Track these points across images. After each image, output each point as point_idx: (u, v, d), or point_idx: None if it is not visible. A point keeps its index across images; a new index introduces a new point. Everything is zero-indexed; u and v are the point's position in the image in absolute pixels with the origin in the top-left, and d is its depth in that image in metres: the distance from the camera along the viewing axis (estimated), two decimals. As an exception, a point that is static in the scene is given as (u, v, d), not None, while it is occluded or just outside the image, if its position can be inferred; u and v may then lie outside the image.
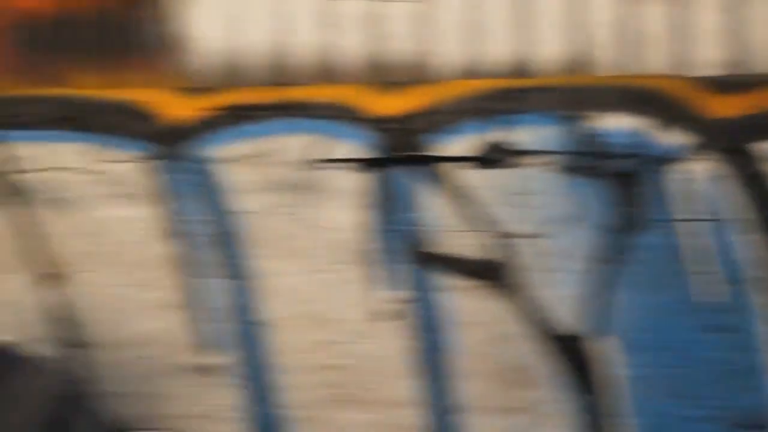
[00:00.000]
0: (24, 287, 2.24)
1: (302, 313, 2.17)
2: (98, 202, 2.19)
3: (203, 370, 2.17)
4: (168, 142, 2.15)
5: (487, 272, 2.10)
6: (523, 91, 2.06)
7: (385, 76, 2.11)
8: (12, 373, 1.56)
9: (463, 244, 2.12)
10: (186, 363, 2.18)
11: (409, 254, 2.14)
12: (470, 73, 2.08)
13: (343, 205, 2.14)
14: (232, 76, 2.15)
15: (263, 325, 2.18)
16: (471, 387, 2.14)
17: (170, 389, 2.17)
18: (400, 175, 2.13)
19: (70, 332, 2.23)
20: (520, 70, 2.08)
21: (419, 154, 2.11)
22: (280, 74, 2.14)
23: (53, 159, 2.23)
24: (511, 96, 2.06)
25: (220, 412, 2.18)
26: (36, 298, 2.23)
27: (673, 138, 2.02)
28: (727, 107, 1.99)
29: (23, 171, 2.25)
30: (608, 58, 2.05)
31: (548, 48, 2.07)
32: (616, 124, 2.03)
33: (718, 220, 2.00)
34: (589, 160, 2.05)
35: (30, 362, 1.62)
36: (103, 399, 2.20)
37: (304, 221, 2.16)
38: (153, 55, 2.16)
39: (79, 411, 1.73)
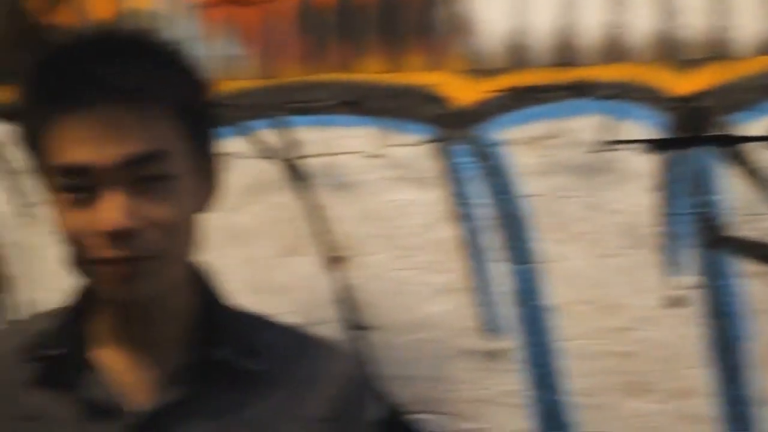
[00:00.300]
0: (313, 270, 2.27)
1: (589, 298, 2.13)
2: (382, 186, 2.20)
3: (486, 355, 2.16)
4: (453, 125, 2.14)
5: (789, 257, 2.01)
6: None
7: (676, 53, 2.04)
8: (309, 355, 1.58)
9: (762, 227, 2.03)
10: (469, 347, 2.17)
11: (702, 238, 2.06)
12: (771, 48, 2.00)
13: (634, 187, 2.09)
14: (517, 58, 2.12)
15: (548, 309, 2.14)
16: (767, 378, 2.05)
17: (452, 373, 2.17)
18: (694, 156, 2.06)
19: (356, 315, 2.25)
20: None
21: (716, 134, 2.04)
22: (566, 54, 2.10)
23: (337, 144, 2.25)
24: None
25: (503, 397, 2.16)
26: (324, 281, 2.26)
27: None
28: None
29: (308, 156, 2.29)
30: None
31: None
32: None
33: None
34: None
35: (325, 345, 1.64)
36: (386, 382, 2.21)
37: (592, 204, 2.11)
38: (437, 38, 2.16)
39: (369, 393, 1.74)
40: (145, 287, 1.48)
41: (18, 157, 2.60)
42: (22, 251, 2.63)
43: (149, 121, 1.44)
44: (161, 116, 1.46)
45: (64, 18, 2.55)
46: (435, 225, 2.17)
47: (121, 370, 1.56)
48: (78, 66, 1.44)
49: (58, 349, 1.55)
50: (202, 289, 1.61)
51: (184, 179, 1.49)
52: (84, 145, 1.42)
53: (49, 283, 2.57)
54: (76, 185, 1.44)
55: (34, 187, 2.55)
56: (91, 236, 1.44)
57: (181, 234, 1.50)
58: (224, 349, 1.55)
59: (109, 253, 1.43)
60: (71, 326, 1.59)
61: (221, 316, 1.60)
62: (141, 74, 1.44)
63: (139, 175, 1.43)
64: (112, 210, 1.42)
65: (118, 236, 1.42)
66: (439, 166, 2.18)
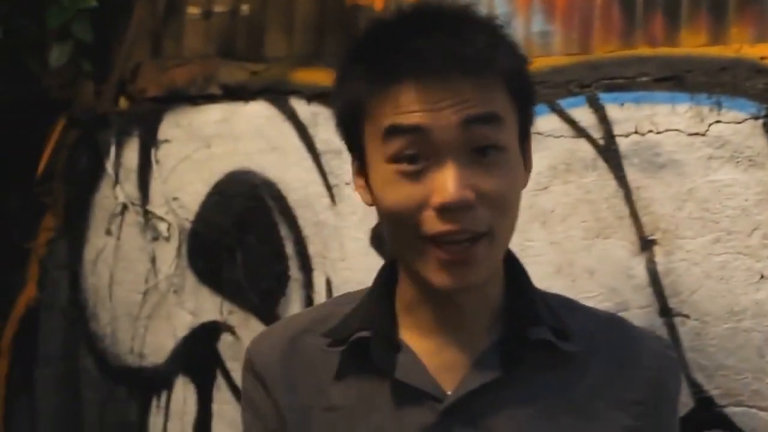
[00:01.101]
0: (623, 254, 2.19)
1: None
2: (702, 166, 2.10)
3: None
4: (783, 100, 2.01)
5: None
6: None
7: None
8: (622, 338, 1.50)
9: None
10: (793, 339, 2.03)
11: None
12: None
13: None
14: None
15: None
16: None
17: (773, 366, 2.03)
18: None
19: (668, 301, 2.15)
20: None
21: None
22: None
23: (655, 122, 2.16)
24: None
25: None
26: (635, 266, 2.17)
27: None
28: None
29: (622, 135, 2.21)
30: None
31: None
32: None
33: None
34: None
35: (636, 329, 1.56)
36: (696, 372, 2.10)
37: None
38: (762, 10, 2.04)
39: (680, 380, 1.64)
40: (478, 273, 1.42)
41: (323, 138, 2.65)
42: (325, 231, 2.67)
43: (486, 90, 1.42)
44: (495, 85, 1.43)
45: (369, 0, 2.58)
46: (758, 207, 2.05)
47: (431, 353, 1.51)
48: (410, 36, 1.43)
49: (367, 331, 1.51)
50: (510, 272, 1.54)
51: (512, 152, 1.45)
52: (423, 111, 1.39)
53: (351, 264, 2.59)
54: (407, 155, 1.40)
55: (339, 168, 2.59)
56: (419, 211, 1.40)
57: (509, 212, 1.44)
58: (542, 330, 1.48)
59: (440, 227, 1.38)
60: (377, 308, 1.54)
61: (531, 298, 1.53)
62: (478, 45, 1.42)
63: (474, 143, 1.40)
64: (448, 181, 1.37)
65: (452, 209, 1.37)
66: (767, 144, 2.05)
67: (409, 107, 1.40)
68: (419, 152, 1.40)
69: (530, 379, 1.48)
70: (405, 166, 1.41)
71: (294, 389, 1.57)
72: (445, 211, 1.38)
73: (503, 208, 1.42)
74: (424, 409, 1.47)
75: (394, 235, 1.47)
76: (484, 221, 1.40)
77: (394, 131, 1.41)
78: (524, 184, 1.51)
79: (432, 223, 1.39)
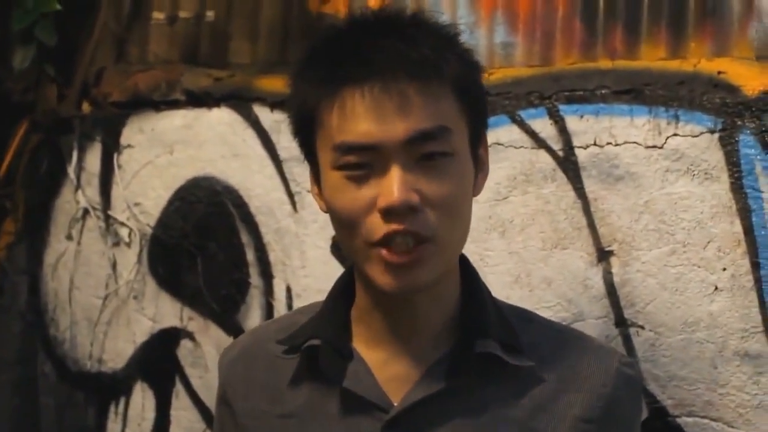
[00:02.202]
0: (581, 264, 2.20)
1: None
2: (659, 178, 2.12)
3: (763, 358, 2.03)
4: (738, 115, 2.04)
5: None
6: None
7: None
8: (575, 353, 1.50)
9: None
10: (746, 350, 2.05)
11: None
12: None
13: None
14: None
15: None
16: None
17: (725, 377, 2.05)
18: None
19: (624, 312, 2.17)
20: None
21: None
22: None
23: (614, 134, 2.18)
24: None
25: (782, 406, 2.02)
26: (592, 276, 2.19)
27: None
28: None
29: (578, 146, 2.22)
30: None
31: None
32: None
33: None
34: None
35: (591, 342, 1.56)
36: (650, 382, 2.12)
37: None
38: (724, 23, 2.06)
39: (639, 394, 1.64)
40: (423, 276, 1.43)
41: (286, 145, 2.65)
42: (287, 239, 2.68)
43: (433, 98, 1.43)
44: (443, 93, 1.44)
45: (337, 7, 2.59)
46: (714, 219, 2.07)
47: (382, 361, 1.52)
48: (360, 41, 1.44)
49: (319, 339, 1.53)
50: (465, 280, 1.55)
51: (461, 158, 1.46)
52: (371, 121, 1.40)
53: (311, 271, 2.60)
54: (355, 163, 1.42)
55: (301, 176, 2.59)
56: (367, 214, 1.42)
57: (456, 216, 1.45)
58: (489, 343, 1.48)
59: (387, 228, 1.40)
60: (331, 316, 1.56)
61: (484, 308, 1.53)
62: (425, 50, 1.43)
63: (421, 151, 1.41)
64: (392, 185, 1.39)
65: (398, 212, 1.39)
66: (721, 158, 2.07)
67: (356, 117, 1.41)
68: (367, 161, 1.42)
69: (475, 392, 1.48)
70: (352, 172, 1.42)
71: (252, 396, 1.59)
72: (389, 214, 1.40)
73: (449, 213, 1.43)
74: (370, 419, 1.48)
75: (344, 240, 1.49)
76: (430, 225, 1.41)
77: (342, 148, 1.43)
78: (478, 189, 1.52)
79: (378, 227, 1.41)
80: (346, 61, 1.44)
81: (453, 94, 1.45)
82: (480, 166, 1.51)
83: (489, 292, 1.57)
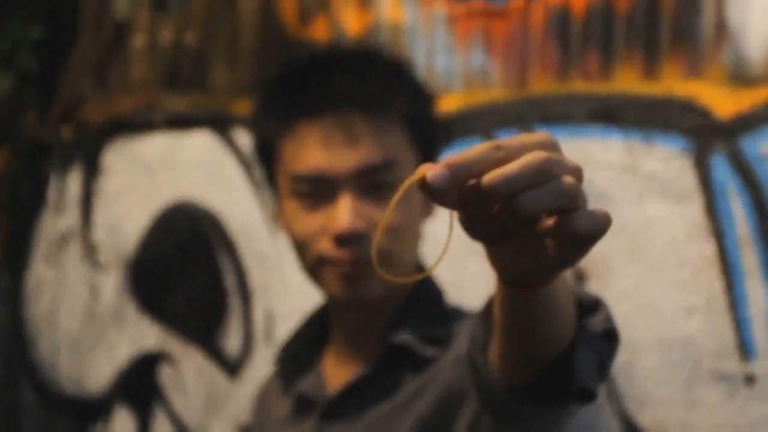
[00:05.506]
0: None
1: None
2: (632, 200, 2.13)
3: (741, 380, 2.04)
4: (711, 138, 2.06)
5: None
6: None
7: None
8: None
9: None
10: (722, 371, 2.06)
11: None
12: None
13: None
14: (780, 68, 2.03)
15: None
16: None
17: (701, 397, 2.06)
18: None
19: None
20: None
21: None
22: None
23: (588, 156, 2.19)
24: None
25: (759, 427, 2.03)
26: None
27: None
28: None
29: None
30: None
31: None
32: None
33: None
34: None
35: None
36: (626, 403, 2.13)
37: None
38: (697, 46, 2.08)
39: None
40: (371, 288, 1.56)
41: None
42: (267, 262, 2.68)
43: (382, 130, 1.53)
44: (392, 126, 1.54)
45: (316, 33, 2.61)
46: (687, 241, 2.08)
47: (332, 363, 1.69)
48: (314, 77, 1.56)
49: (293, 353, 1.73)
50: (416, 290, 1.65)
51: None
52: (322, 153, 1.52)
53: (292, 294, 2.60)
54: (308, 191, 1.54)
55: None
56: (320, 239, 1.55)
57: (405, 239, 1.57)
58: (404, 335, 1.59)
59: (337, 254, 1.53)
60: (305, 329, 1.76)
61: (413, 306, 1.64)
62: (374, 85, 1.53)
63: (370, 182, 1.53)
64: (342, 214, 1.50)
65: (347, 239, 1.51)
66: (695, 180, 2.09)
67: (308, 149, 1.54)
68: (318, 190, 1.55)
69: (384, 380, 1.60)
70: (305, 200, 1.56)
71: (259, 410, 1.82)
72: (339, 240, 1.52)
73: (398, 237, 1.56)
74: (309, 417, 1.65)
75: (299, 258, 1.63)
76: (380, 248, 1.52)
77: (296, 178, 1.56)
78: (428, 213, 1.64)
79: (329, 248, 1.54)
80: (301, 96, 1.55)
81: (401, 127, 1.59)
82: None
83: (438, 299, 1.67)
